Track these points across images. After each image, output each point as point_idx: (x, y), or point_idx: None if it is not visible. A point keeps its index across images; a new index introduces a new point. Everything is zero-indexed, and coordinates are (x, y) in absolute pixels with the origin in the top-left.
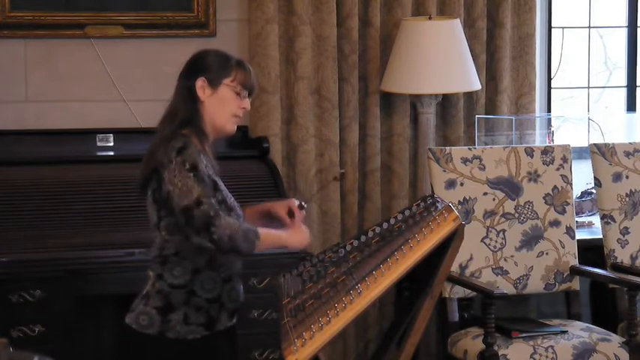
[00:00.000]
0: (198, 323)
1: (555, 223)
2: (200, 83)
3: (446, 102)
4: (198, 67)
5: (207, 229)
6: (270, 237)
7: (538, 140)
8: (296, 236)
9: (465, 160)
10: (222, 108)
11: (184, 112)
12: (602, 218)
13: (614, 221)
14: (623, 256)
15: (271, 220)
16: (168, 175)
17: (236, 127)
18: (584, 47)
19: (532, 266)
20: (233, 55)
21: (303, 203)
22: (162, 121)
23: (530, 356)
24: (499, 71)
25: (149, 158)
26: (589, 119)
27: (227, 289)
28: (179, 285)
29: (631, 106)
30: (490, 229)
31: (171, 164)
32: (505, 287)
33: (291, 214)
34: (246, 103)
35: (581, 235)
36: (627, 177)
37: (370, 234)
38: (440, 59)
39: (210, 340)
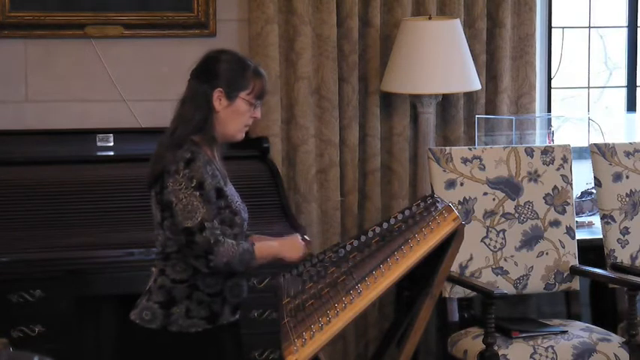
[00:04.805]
0: (200, 317)
1: (555, 223)
2: (217, 94)
3: (446, 102)
4: (214, 73)
5: (206, 257)
6: (265, 251)
7: (538, 140)
8: (290, 247)
9: (465, 160)
10: (236, 119)
11: (198, 119)
12: (602, 218)
13: (614, 221)
14: (623, 256)
15: None
16: (173, 185)
17: (244, 135)
18: (584, 47)
19: (532, 266)
20: (247, 58)
21: (306, 237)
22: (175, 121)
23: (530, 356)
24: (499, 71)
25: (157, 160)
26: (589, 119)
27: (230, 285)
28: (181, 280)
29: (631, 106)
30: (490, 229)
31: (178, 175)
32: (505, 287)
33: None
34: (258, 112)
35: (581, 235)
36: (627, 177)
37: (370, 234)
38: (440, 59)
39: (212, 333)
